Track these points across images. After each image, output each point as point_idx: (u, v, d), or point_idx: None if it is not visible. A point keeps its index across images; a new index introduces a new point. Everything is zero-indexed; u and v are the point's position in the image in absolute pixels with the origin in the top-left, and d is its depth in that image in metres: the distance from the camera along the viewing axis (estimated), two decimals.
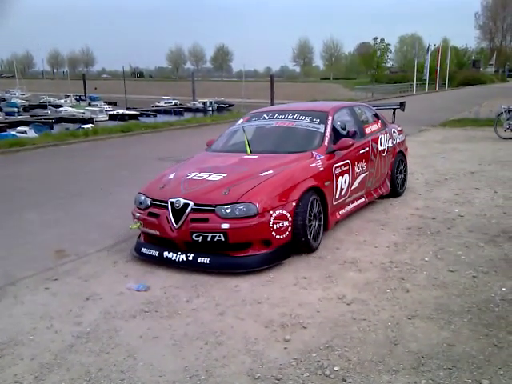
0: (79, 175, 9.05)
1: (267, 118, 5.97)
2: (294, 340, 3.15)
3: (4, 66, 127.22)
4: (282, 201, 4.42)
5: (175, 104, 61.36)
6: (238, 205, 4.27)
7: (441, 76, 54.71)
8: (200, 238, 4.28)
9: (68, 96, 61.78)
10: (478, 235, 5.05)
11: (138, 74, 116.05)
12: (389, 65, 68.11)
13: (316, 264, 4.44)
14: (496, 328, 3.21)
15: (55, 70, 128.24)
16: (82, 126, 25.25)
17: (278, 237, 4.37)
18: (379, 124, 6.64)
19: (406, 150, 7.39)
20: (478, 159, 9.49)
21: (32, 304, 3.81)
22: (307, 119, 5.61)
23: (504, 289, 3.79)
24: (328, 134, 5.40)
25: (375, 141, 6.20)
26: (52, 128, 35.67)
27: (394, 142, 6.78)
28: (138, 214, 4.76)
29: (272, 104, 25.42)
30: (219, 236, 4.22)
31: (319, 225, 4.82)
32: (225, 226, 4.20)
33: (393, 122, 7.32)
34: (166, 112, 54.97)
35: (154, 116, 49.19)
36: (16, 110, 51.28)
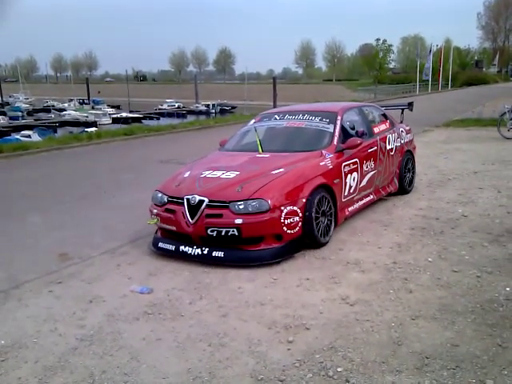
0: (82, 179, 9.08)
1: (278, 118, 6.17)
2: (297, 341, 3.15)
3: (8, 70, 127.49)
4: (292, 197, 4.61)
5: (178, 107, 61.43)
6: (250, 201, 4.46)
7: (443, 76, 54.60)
8: (214, 233, 4.48)
9: (71, 100, 62.00)
10: (482, 235, 5.03)
11: (141, 78, 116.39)
12: (391, 66, 68.01)
13: (319, 265, 4.44)
14: (500, 328, 3.20)
15: (59, 74, 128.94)
16: (86, 130, 25.32)
17: (288, 231, 4.55)
18: (387, 124, 6.78)
19: (414, 148, 7.50)
20: (481, 159, 9.47)
21: (36, 307, 3.82)
22: (317, 119, 5.77)
23: (508, 288, 3.77)
24: (337, 133, 5.56)
25: (383, 140, 6.34)
26: (56, 132, 35.84)
27: (402, 141, 6.92)
28: (156, 211, 4.96)
29: (275, 106, 25.41)
30: (233, 231, 4.42)
31: (329, 221, 4.99)
32: (238, 221, 4.40)
33: (401, 122, 7.44)
34: (170, 115, 55.05)
35: (158, 119, 49.30)
36: (20, 114, 51.37)
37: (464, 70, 70.77)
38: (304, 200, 4.66)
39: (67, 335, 3.36)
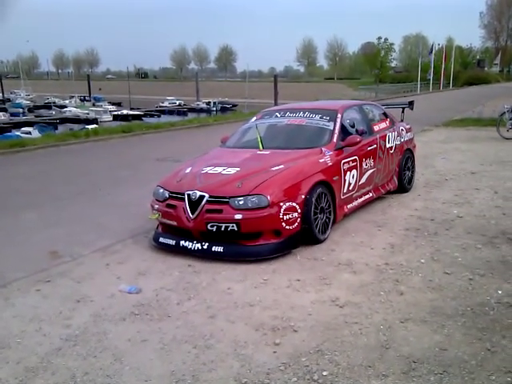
0: (78, 176, 9.03)
1: (279, 115, 6.24)
2: (284, 344, 3.10)
3: (9, 66, 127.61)
4: (291, 193, 4.66)
5: (179, 104, 61.38)
6: (250, 197, 4.52)
7: (445, 76, 54.47)
8: (214, 228, 4.54)
9: (73, 97, 61.88)
10: (476, 237, 4.98)
11: (142, 75, 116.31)
12: (393, 64, 68.00)
13: (310, 266, 4.39)
14: (490, 332, 3.15)
15: (60, 71, 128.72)
16: (87, 127, 25.28)
17: (287, 227, 4.59)
18: (387, 122, 6.81)
19: (414, 147, 7.51)
20: (479, 159, 9.41)
21: (23, 306, 3.78)
22: (317, 117, 5.82)
23: (500, 292, 3.73)
24: (337, 131, 5.60)
25: (383, 138, 6.38)
26: (56, 128, 35.80)
27: (402, 140, 6.94)
28: (157, 206, 5.02)
29: (276, 104, 25.34)
30: (232, 226, 4.48)
31: (328, 218, 5.04)
32: (238, 216, 4.45)
33: (402, 121, 7.46)
34: (170, 112, 55.03)
35: (158, 116, 49.21)
36: (21, 110, 51.43)
37: (466, 70, 70.58)
38: (303, 196, 4.71)
39: (52, 335, 3.32)
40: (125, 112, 49.08)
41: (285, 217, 4.55)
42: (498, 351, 2.92)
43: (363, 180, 5.84)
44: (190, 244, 4.68)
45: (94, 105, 55.74)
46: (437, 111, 21.72)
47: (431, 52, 50.84)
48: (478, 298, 3.65)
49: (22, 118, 44.67)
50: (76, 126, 33.16)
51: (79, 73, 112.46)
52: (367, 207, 6.15)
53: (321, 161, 5.15)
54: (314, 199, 4.77)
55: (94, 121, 40.51)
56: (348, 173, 5.45)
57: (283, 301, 3.71)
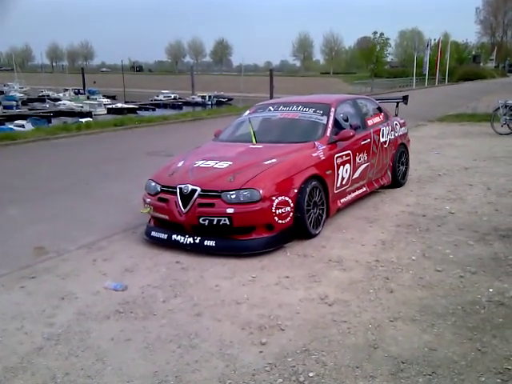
0: (66, 170, 8.90)
1: (272, 109, 6.19)
2: (270, 343, 3.03)
3: (3, 59, 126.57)
4: (284, 187, 4.63)
5: (174, 98, 61.09)
6: (242, 191, 4.48)
7: (441, 71, 54.42)
8: (206, 222, 4.51)
9: (67, 90, 61.48)
10: (468, 233, 4.93)
11: (137, 68, 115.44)
12: (389, 59, 67.86)
13: (300, 263, 4.32)
14: (480, 331, 3.09)
15: (54, 64, 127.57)
16: (81, 120, 25.08)
17: (279, 221, 4.56)
18: (381, 116, 6.77)
19: (409, 142, 7.49)
20: (473, 155, 9.35)
21: (5, 303, 3.70)
22: (311, 111, 5.77)
23: (491, 290, 3.67)
24: (330, 125, 5.56)
25: (377, 133, 6.34)
26: (50, 122, 35.49)
27: (396, 134, 6.90)
28: (149, 200, 4.98)
29: (271, 98, 25.23)
30: (224, 220, 4.45)
31: (321, 212, 5.00)
32: (230, 210, 4.42)
33: (396, 115, 7.42)
34: (165, 106, 54.73)
35: (153, 110, 48.90)
36: (14, 103, 51.04)
37: (461, 65, 70.52)
38: (296, 190, 4.67)
39: (34, 334, 3.24)
40: (119, 105, 48.75)
41: (277, 211, 4.51)
42: (489, 351, 2.86)
43: (357, 174, 5.80)
44: (182, 238, 4.64)
45: (88, 98, 55.29)
46: (431, 106, 21.67)
47: (427, 46, 50.74)
48: (468, 296, 3.59)
49: (16, 111, 44.31)
50: (70, 120, 32.84)
51: (73, 66, 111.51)
52: (359, 203, 6.09)
53: (314, 155, 5.11)
54: (306, 193, 4.73)
55: (88, 114, 40.23)
56: (341, 167, 5.42)
57: (271, 298, 3.64)
